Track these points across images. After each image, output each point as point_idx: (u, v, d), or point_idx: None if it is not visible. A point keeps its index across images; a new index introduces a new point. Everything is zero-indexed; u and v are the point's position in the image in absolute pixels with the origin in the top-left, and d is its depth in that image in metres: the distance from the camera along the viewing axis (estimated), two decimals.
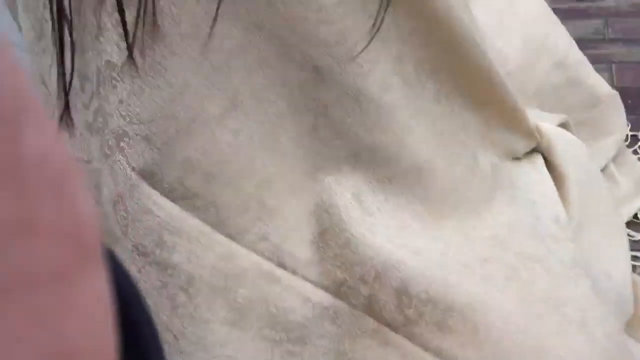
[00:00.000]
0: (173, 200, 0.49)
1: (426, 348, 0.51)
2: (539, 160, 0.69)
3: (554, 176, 0.69)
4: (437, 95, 0.55)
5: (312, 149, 0.52)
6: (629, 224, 0.87)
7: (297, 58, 0.48)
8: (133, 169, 0.48)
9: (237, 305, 0.50)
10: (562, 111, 0.82)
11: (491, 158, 0.62)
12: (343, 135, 0.51)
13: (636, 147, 0.97)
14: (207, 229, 0.49)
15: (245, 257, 0.50)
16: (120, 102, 0.47)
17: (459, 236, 0.57)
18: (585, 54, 0.92)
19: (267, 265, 0.51)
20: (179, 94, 0.46)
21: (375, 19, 0.48)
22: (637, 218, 0.87)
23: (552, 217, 0.62)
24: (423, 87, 0.54)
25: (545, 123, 0.73)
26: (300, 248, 0.53)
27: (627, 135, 0.96)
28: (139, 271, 0.50)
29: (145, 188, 0.48)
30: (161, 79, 0.46)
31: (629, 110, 0.96)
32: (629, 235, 0.84)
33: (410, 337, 0.52)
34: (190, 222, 0.49)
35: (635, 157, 0.94)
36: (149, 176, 0.48)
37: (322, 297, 0.52)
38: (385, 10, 0.49)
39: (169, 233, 0.49)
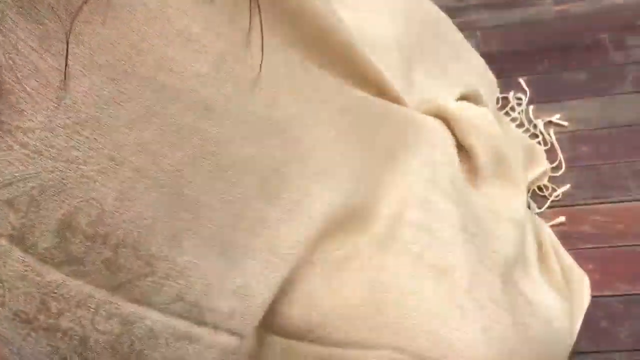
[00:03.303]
0: (56, 266, 0.44)
1: (337, 344, 0.51)
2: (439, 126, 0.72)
3: (462, 147, 0.73)
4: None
5: (222, 195, 0.48)
6: (531, 196, 0.91)
7: (181, 99, 0.44)
8: (1, 234, 0.43)
9: None
10: (442, 70, 0.85)
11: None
12: (249, 169, 0.48)
13: (507, 109, 1.02)
14: (102, 294, 0.45)
15: (157, 321, 0.46)
16: None
17: (353, 232, 0.57)
18: (453, 23, 0.95)
19: (184, 325, 0.48)
20: (36, 153, 0.41)
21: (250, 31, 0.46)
22: (541, 190, 0.91)
23: (450, 178, 0.64)
24: (308, 74, 0.53)
25: (447, 101, 0.76)
26: (221, 301, 0.49)
27: (497, 98, 1.01)
28: (24, 339, 0.45)
29: (18, 253, 0.43)
30: (12, 139, 0.41)
31: (497, 73, 1.00)
32: (530, 207, 0.89)
33: (317, 340, 0.52)
34: (79, 289, 0.44)
35: (512, 124, 0.99)
36: (19, 241, 0.43)
37: (248, 346, 0.51)
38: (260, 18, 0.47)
39: (53, 299, 0.44)
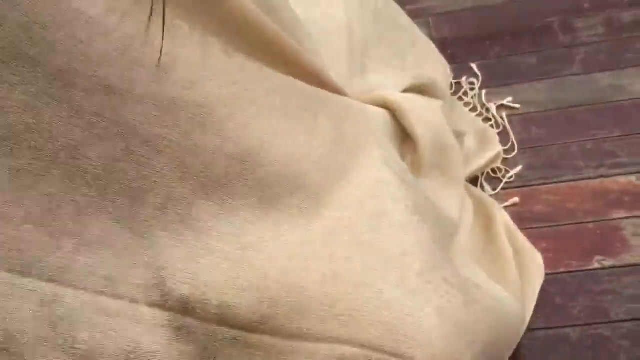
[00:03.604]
0: None
1: (289, 336, 0.51)
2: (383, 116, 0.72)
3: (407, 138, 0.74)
4: (243, 64, 0.54)
5: (130, 172, 0.47)
6: (485, 178, 0.93)
7: (81, 83, 0.44)
8: None
9: (81, 352, 0.46)
10: (396, 56, 0.85)
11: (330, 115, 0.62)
12: (162, 150, 0.48)
13: (460, 93, 1.03)
14: (12, 277, 0.44)
15: (75, 298, 0.46)
16: None
17: (303, 217, 0.56)
18: (404, 11, 0.95)
19: (102, 300, 0.47)
20: None
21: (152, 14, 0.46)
22: (494, 172, 0.92)
23: (398, 161, 0.65)
24: (230, 58, 0.52)
25: (392, 92, 0.77)
26: (140, 273, 0.49)
27: (451, 83, 1.02)
28: None
29: None
30: None
31: (450, 59, 1.01)
32: (484, 189, 0.90)
33: (270, 332, 0.51)
34: None
35: (465, 108, 1.00)
36: None
37: (170, 319, 0.50)
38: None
39: None
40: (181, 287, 0.50)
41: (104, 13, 0.43)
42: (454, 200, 0.76)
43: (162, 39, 0.46)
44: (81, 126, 0.45)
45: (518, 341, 0.71)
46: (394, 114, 0.76)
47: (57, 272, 0.46)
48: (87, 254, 0.47)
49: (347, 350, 0.50)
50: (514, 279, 0.76)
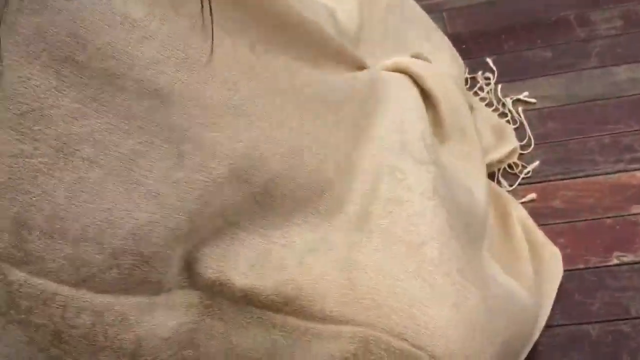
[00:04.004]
0: (16, 266, 0.43)
1: (312, 318, 0.51)
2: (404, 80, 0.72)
3: (428, 101, 0.74)
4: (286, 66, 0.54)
5: (187, 182, 0.47)
6: (501, 174, 0.92)
7: (130, 87, 0.43)
8: None
9: (126, 351, 0.48)
10: (410, 51, 0.85)
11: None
12: (214, 153, 0.48)
13: (476, 89, 1.02)
14: (66, 289, 0.44)
15: (124, 304, 0.47)
16: None
17: (327, 216, 0.57)
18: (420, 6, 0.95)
19: (144, 300, 0.48)
20: None
21: (203, 18, 0.46)
22: (511, 168, 0.92)
23: (419, 136, 0.64)
24: (258, 59, 0.52)
25: (407, 58, 0.77)
26: (172, 265, 0.50)
27: (466, 78, 1.01)
28: (3, 328, 0.45)
29: None
30: None
31: (464, 54, 1.01)
32: (501, 184, 0.89)
33: (294, 314, 0.52)
34: (43, 287, 0.44)
35: (481, 103, 0.99)
36: None
37: (201, 297, 0.51)
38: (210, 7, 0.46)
39: (20, 298, 0.44)
40: (206, 271, 0.50)
41: (145, 17, 0.43)
42: (480, 179, 0.75)
43: (212, 39, 0.46)
44: (132, 133, 0.44)
45: (534, 338, 0.70)
46: (413, 78, 0.75)
47: (110, 285, 0.46)
48: (144, 268, 0.46)
49: (370, 333, 0.50)
50: (529, 275, 0.75)
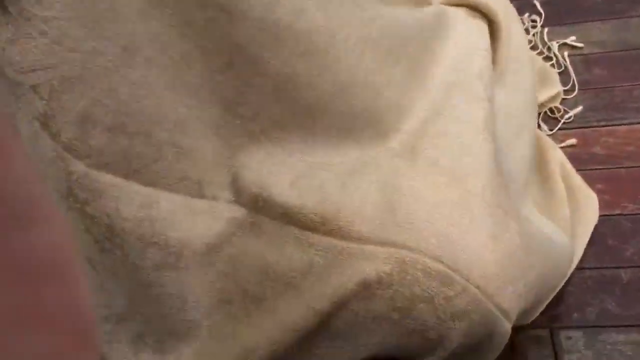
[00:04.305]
0: (79, 157, 0.46)
1: (349, 238, 0.52)
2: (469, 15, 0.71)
3: (497, 34, 0.73)
4: None
5: (227, 85, 0.50)
6: (542, 118, 0.90)
7: None
8: (34, 117, 0.46)
9: (172, 250, 0.51)
10: None
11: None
12: (262, 71, 0.50)
13: None
14: (119, 181, 0.48)
15: (169, 200, 0.50)
16: (2, 49, 0.45)
17: (372, 145, 0.58)
18: None
19: (191, 201, 0.51)
20: (56, 43, 0.43)
21: None
22: (552, 112, 0.90)
23: (477, 73, 0.64)
24: None
25: None
26: (219, 173, 0.53)
27: None
28: (66, 212, 0.49)
29: (46, 139, 0.46)
30: (32, 27, 0.43)
31: None
32: (541, 128, 0.88)
33: (331, 234, 0.53)
34: (100, 179, 0.47)
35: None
36: (45, 127, 0.46)
37: (245, 214, 0.53)
38: None
39: (78, 189, 0.47)
40: (251, 186, 0.53)
41: None
42: (531, 120, 0.74)
43: None
44: (190, 37, 0.47)
45: (566, 278, 0.71)
46: (480, 12, 0.74)
47: (157, 177, 0.49)
48: (184, 161, 0.50)
49: (406, 255, 0.51)
50: (564, 217, 0.75)
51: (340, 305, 0.52)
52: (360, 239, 0.52)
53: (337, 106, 0.55)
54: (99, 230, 0.49)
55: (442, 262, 0.51)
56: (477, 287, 0.50)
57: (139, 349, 0.57)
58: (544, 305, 0.68)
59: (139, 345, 0.57)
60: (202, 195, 0.52)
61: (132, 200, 0.48)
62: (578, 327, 0.70)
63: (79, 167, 0.47)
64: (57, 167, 0.47)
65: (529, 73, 0.75)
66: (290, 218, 0.53)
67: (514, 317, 0.53)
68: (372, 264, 0.52)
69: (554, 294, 0.69)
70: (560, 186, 0.79)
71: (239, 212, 0.54)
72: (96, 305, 0.55)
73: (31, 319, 0.15)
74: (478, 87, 0.62)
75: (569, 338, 0.69)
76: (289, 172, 0.54)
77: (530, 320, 0.68)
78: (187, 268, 0.52)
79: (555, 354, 0.68)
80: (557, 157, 0.83)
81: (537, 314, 0.68)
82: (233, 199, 0.54)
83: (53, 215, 0.17)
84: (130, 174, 0.48)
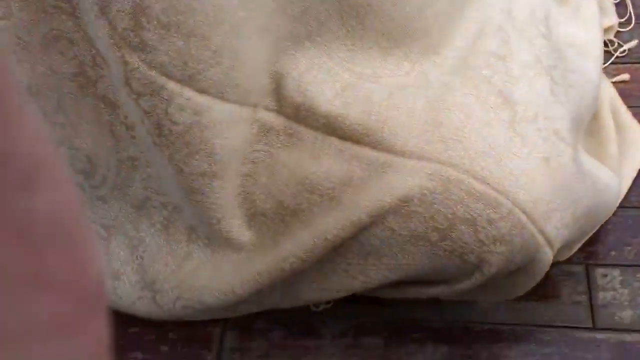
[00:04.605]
0: (132, 49, 0.46)
1: (392, 152, 0.50)
2: None
3: None
4: None
5: None
6: None
7: None
8: (94, 1, 0.46)
9: (216, 158, 0.51)
10: None
11: None
12: None
13: None
14: (173, 85, 0.47)
15: (219, 108, 0.49)
16: None
17: (421, 60, 0.55)
18: None
19: (237, 109, 0.51)
20: None
21: None
22: (606, 45, 0.85)
23: (528, 12, 0.60)
24: None
25: None
26: (263, 80, 0.51)
27: None
28: (125, 98, 0.50)
29: (105, 25, 0.46)
30: None
31: None
32: None
33: (374, 145, 0.51)
34: (153, 79, 0.47)
35: None
36: (102, 12, 0.46)
37: (285, 124, 0.52)
38: None
39: (132, 80, 0.48)
40: (294, 94, 0.51)
41: None
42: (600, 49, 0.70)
43: None
44: None
45: (609, 215, 0.68)
46: None
47: (211, 85, 0.48)
48: (239, 68, 0.49)
49: (452, 174, 0.49)
50: (612, 154, 0.72)
51: (377, 220, 0.51)
52: (404, 153, 0.50)
53: (388, 9, 0.52)
54: (150, 125, 0.49)
55: (489, 184, 0.49)
56: (524, 211, 0.48)
57: (192, 239, 0.58)
58: (583, 241, 0.66)
59: (191, 236, 0.58)
60: (247, 103, 0.51)
61: (183, 106, 0.48)
62: (615, 265, 0.68)
63: (134, 59, 0.46)
64: (115, 55, 0.47)
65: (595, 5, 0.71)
66: (332, 128, 0.52)
67: (557, 246, 0.51)
68: (415, 180, 0.50)
69: (595, 230, 0.67)
70: (609, 123, 0.75)
71: (278, 121, 0.52)
72: (155, 192, 0.57)
73: (33, 284, 0.15)
74: (530, 22, 0.59)
75: (605, 276, 0.68)
76: (334, 81, 0.52)
77: (568, 257, 0.66)
78: (227, 177, 0.52)
79: (590, 290, 0.67)
80: (607, 93, 0.78)
81: (576, 249, 0.66)
82: (274, 107, 0.52)
83: (61, 178, 0.16)
84: (185, 79, 0.47)
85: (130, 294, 0.62)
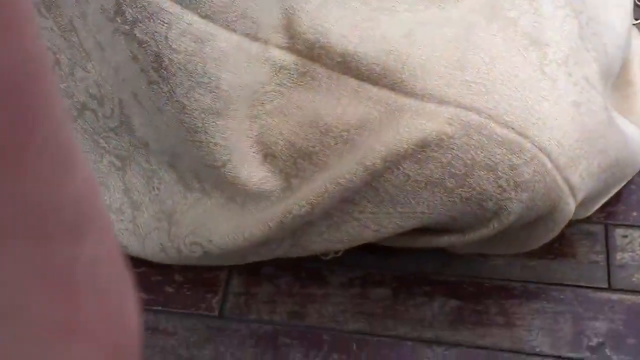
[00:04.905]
0: None
1: (411, 94, 0.48)
2: None
3: None
4: None
5: None
6: None
7: None
8: None
9: (221, 93, 0.48)
10: None
11: None
12: None
13: None
14: (173, 6, 0.44)
15: (225, 38, 0.46)
16: None
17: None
18: None
19: (246, 42, 0.48)
20: None
21: None
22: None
23: None
24: None
25: None
26: (274, 13, 0.48)
27: None
28: (112, 36, 0.46)
29: None
30: None
31: None
32: None
33: (392, 87, 0.48)
34: (151, 0, 0.44)
35: None
36: None
37: (297, 62, 0.50)
38: None
39: (127, 5, 0.44)
40: (308, 30, 0.49)
41: None
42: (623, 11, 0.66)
43: None
44: None
45: (635, 172, 0.66)
46: None
47: (217, 10, 0.46)
48: None
49: (473, 118, 0.46)
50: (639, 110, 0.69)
51: (392, 165, 0.48)
52: (424, 96, 0.48)
53: None
54: (145, 58, 0.46)
55: (512, 128, 0.47)
56: (549, 156, 0.46)
57: (200, 179, 0.56)
58: (605, 200, 0.64)
59: (199, 177, 0.56)
60: (256, 38, 0.48)
61: (184, 31, 0.45)
62: (636, 227, 0.66)
63: None
64: None
65: None
66: (348, 68, 0.49)
67: (580, 197, 0.49)
68: (432, 124, 0.47)
69: (618, 189, 0.64)
70: (638, 79, 0.72)
71: (290, 59, 0.50)
72: (151, 139, 0.54)
73: (66, 333, 0.15)
74: None
75: (625, 236, 0.65)
76: (350, 17, 0.49)
77: (587, 215, 0.64)
78: (234, 117, 0.50)
79: (607, 250, 0.65)
80: (636, 48, 0.75)
81: (597, 207, 0.64)
82: (286, 44, 0.50)
83: (106, 229, 0.16)
84: (186, 2, 0.44)
85: (148, 224, 0.60)
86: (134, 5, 0.44)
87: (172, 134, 0.52)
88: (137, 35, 0.45)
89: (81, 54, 0.52)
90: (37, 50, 0.13)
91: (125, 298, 0.17)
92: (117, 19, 0.45)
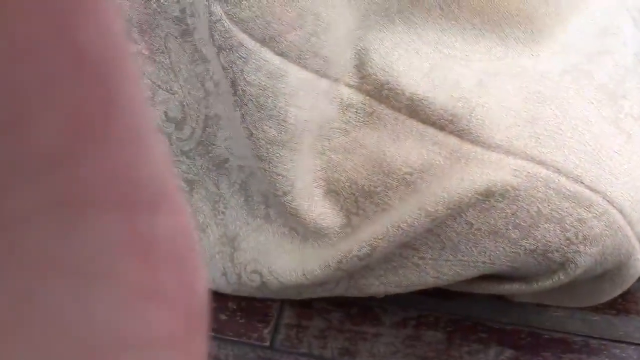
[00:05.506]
0: (218, 1, 0.46)
1: (477, 142, 0.47)
2: None
3: None
4: None
5: None
6: None
7: None
8: None
9: (288, 127, 0.49)
10: None
11: None
12: None
13: None
14: (252, 44, 0.46)
15: (296, 75, 0.48)
16: None
17: (520, 47, 0.52)
18: None
19: (316, 79, 0.49)
20: None
21: None
22: None
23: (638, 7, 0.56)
24: None
25: None
26: (346, 53, 0.49)
27: None
28: (211, 47, 0.50)
29: None
30: None
31: None
32: None
33: (458, 134, 0.48)
34: (234, 34, 0.46)
35: None
36: None
37: (364, 102, 0.50)
38: None
39: (214, 31, 0.47)
40: (378, 71, 0.49)
41: None
42: None
43: None
44: None
45: None
46: None
47: (291, 48, 0.47)
48: (321, 34, 0.47)
49: (540, 171, 0.46)
50: None
51: (455, 213, 0.48)
52: (490, 145, 0.47)
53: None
54: (227, 82, 0.49)
55: (582, 183, 0.46)
56: (621, 211, 0.45)
57: (268, 205, 0.58)
58: None
59: (267, 202, 0.57)
60: (326, 75, 0.49)
61: (260, 67, 0.46)
62: None
63: (217, 9, 0.46)
64: (203, 4, 0.47)
65: None
66: (415, 111, 0.49)
67: None
68: (498, 175, 0.47)
69: None
70: None
71: (358, 98, 0.50)
72: (233, 154, 0.57)
73: (150, 296, 0.16)
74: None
75: None
76: (423, 61, 0.50)
77: None
78: (298, 150, 0.51)
79: None
80: None
81: None
82: (355, 84, 0.50)
83: (180, 206, 0.17)
84: (266, 40, 0.46)
85: (212, 247, 0.62)
86: (220, 34, 0.46)
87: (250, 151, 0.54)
88: (221, 60, 0.48)
89: (169, 75, 0.54)
90: (120, 28, 0.14)
91: (197, 269, 0.18)
92: (211, 38, 0.48)
